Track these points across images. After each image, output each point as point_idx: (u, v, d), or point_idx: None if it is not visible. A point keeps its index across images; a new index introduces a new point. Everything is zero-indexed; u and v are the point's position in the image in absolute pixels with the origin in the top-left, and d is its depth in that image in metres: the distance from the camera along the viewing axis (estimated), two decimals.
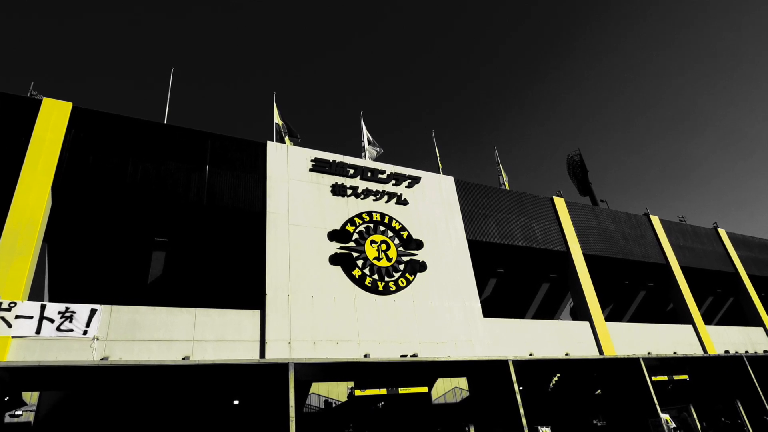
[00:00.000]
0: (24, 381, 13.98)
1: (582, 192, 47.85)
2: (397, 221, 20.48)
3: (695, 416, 25.33)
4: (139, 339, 14.27)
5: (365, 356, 16.52)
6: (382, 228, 20.10)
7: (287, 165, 19.60)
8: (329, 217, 19.21)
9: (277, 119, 23.08)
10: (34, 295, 19.11)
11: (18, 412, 29.22)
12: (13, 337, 12.93)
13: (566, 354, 20.91)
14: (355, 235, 19.33)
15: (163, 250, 20.22)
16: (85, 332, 13.69)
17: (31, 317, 13.29)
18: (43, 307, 13.54)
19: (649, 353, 22.80)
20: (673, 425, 23.17)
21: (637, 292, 33.78)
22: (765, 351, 27.10)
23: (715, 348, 26.00)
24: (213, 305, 16.51)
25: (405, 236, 20.29)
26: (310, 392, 29.85)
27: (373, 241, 19.51)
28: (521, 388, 19.64)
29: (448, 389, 34.24)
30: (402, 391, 17.75)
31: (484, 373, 19.02)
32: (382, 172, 21.66)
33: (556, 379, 26.43)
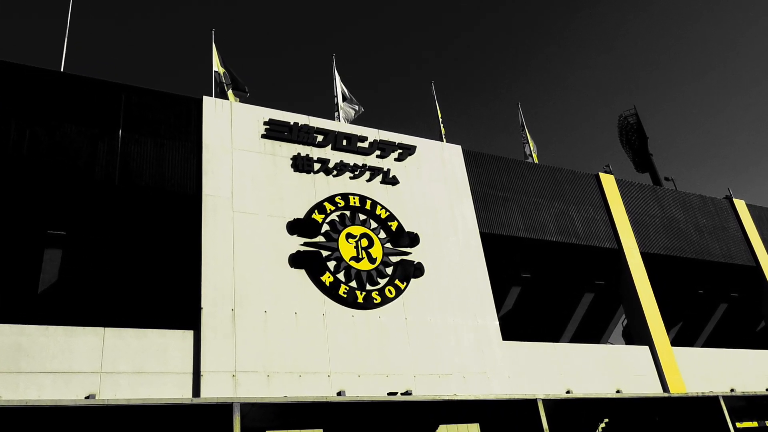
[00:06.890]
0: None
1: (639, 167, 48.37)
2: (383, 207, 20.69)
3: None
4: (25, 370, 14.37)
5: (339, 394, 16.75)
6: (362, 217, 20.30)
7: (231, 129, 19.70)
8: (289, 202, 19.37)
9: (216, 66, 23.12)
10: None
11: None
12: None
13: (617, 391, 21.26)
14: (326, 227, 19.52)
15: (59, 248, 20.26)
16: None
17: None
18: None
19: (732, 390, 23.15)
20: None
21: (716, 306, 34.19)
22: None
23: None
24: (128, 323, 16.60)
25: (394, 228, 20.51)
26: None
27: (350, 235, 19.71)
28: None
29: None
30: None
31: (503, 418, 19.29)
32: (363, 139, 21.83)
33: (603, 425, 26.76)
